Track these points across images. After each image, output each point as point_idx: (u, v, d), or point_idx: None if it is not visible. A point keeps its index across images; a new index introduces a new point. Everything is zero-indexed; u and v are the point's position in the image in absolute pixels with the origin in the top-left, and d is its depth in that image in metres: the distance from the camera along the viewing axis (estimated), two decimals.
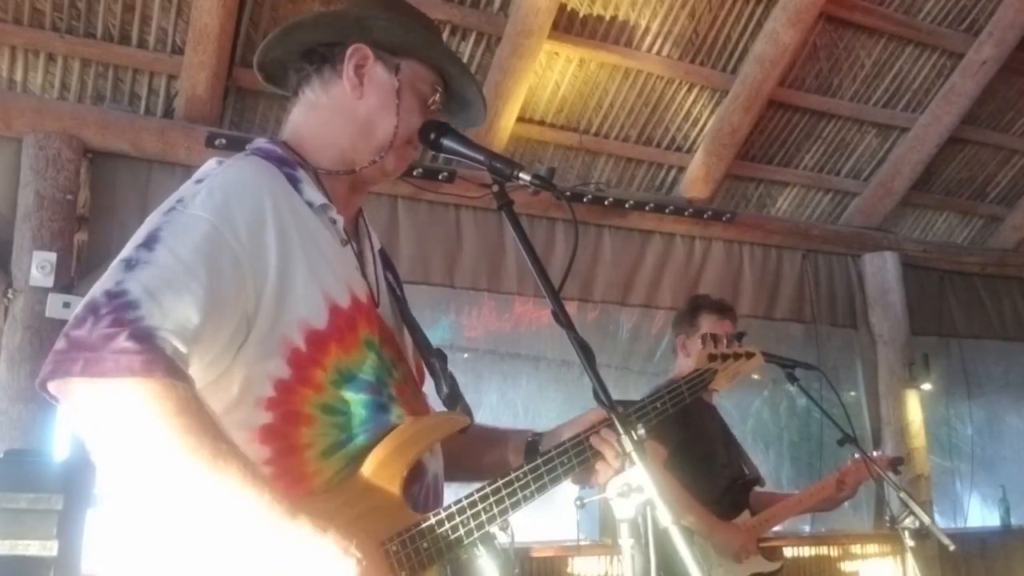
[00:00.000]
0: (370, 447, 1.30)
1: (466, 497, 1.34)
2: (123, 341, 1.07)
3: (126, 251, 1.18)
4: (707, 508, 2.92)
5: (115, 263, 1.17)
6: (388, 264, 1.61)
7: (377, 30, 1.45)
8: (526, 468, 1.40)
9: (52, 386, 1.10)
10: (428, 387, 1.52)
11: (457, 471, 1.51)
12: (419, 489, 1.36)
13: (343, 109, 1.45)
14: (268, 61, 1.53)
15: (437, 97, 1.49)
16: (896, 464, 3.36)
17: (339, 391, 1.29)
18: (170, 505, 1.14)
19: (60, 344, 1.09)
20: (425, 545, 1.28)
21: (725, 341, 1.89)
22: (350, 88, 1.44)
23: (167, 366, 1.08)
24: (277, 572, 1.10)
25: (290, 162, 1.39)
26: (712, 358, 1.86)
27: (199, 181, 1.28)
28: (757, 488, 3.21)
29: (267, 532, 1.10)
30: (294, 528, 1.10)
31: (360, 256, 1.45)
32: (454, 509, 1.32)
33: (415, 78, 1.47)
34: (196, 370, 1.16)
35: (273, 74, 1.55)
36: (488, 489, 1.35)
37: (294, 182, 1.35)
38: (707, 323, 3.12)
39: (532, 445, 1.55)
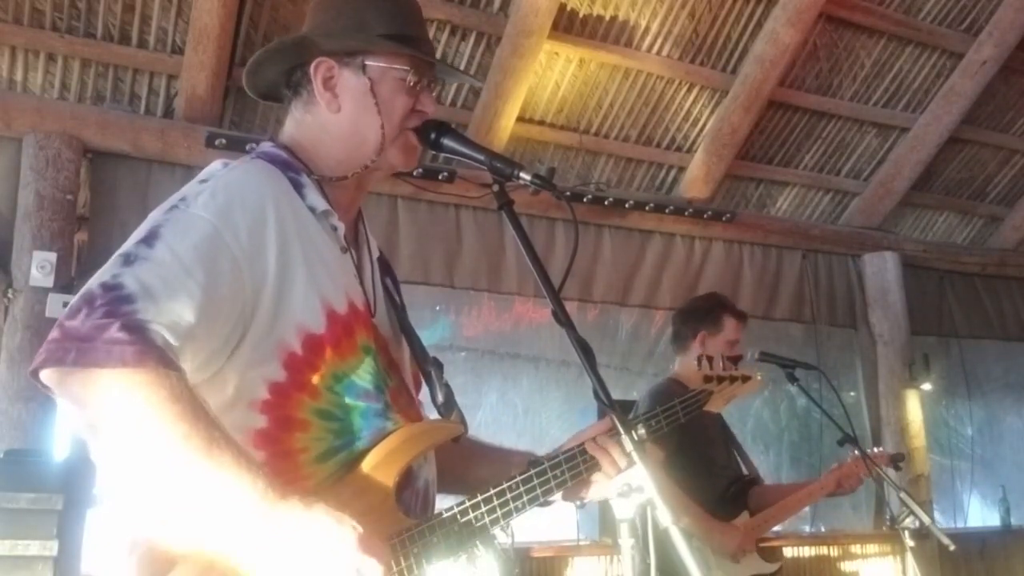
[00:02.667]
0: (365, 453, 1.31)
1: (458, 504, 1.35)
2: (115, 332, 1.07)
3: (126, 246, 1.19)
4: (706, 509, 2.91)
5: (114, 257, 1.18)
6: (387, 271, 1.61)
7: (325, 43, 1.43)
8: (519, 479, 1.41)
9: (44, 375, 1.11)
10: (423, 396, 1.52)
11: (449, 481, 1.50)
12: (410, 495, 1.36)
13: (327, 127, 1.44)
14: (257, 92, 1.55)
15: (413, 75, 1.43)
16: (897, 460, 3.36)
17: (335, 396, 1.30)
18: (165, 492, 1.14)
19: (54, 334, 1.10)
20: (416, 550, 1.29)
21: (722, 364, 1.89)
22: (326, 104, 1.43)
23: (159, 356, 1.09)
24: (274, 554, 1.11)
25: (295, 167, 1.39)
26: (708, 380, 1.86)
27: (203, 181, 1.28)
28: (756, 487, 3.20)
29: (262, 516, 1.10)
30: (288, 510, 1.11)
31: (359, 264, 1.45)
32: (446, 515, 1.33)
33: (385, 67, 1.42)
34: (189, 368, 1.17)
35: (269, 95, 1.56)
36: (480, 498, 1.36)
37: (298, 187, 1.36)
38: (730, 327, 3.06)
39: (533, 465, 1.54)
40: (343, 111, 1.43)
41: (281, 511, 1.11)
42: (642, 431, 1.34)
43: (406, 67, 1.43)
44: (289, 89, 1.48)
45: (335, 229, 1.39)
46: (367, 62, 1.42)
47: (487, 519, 1.35)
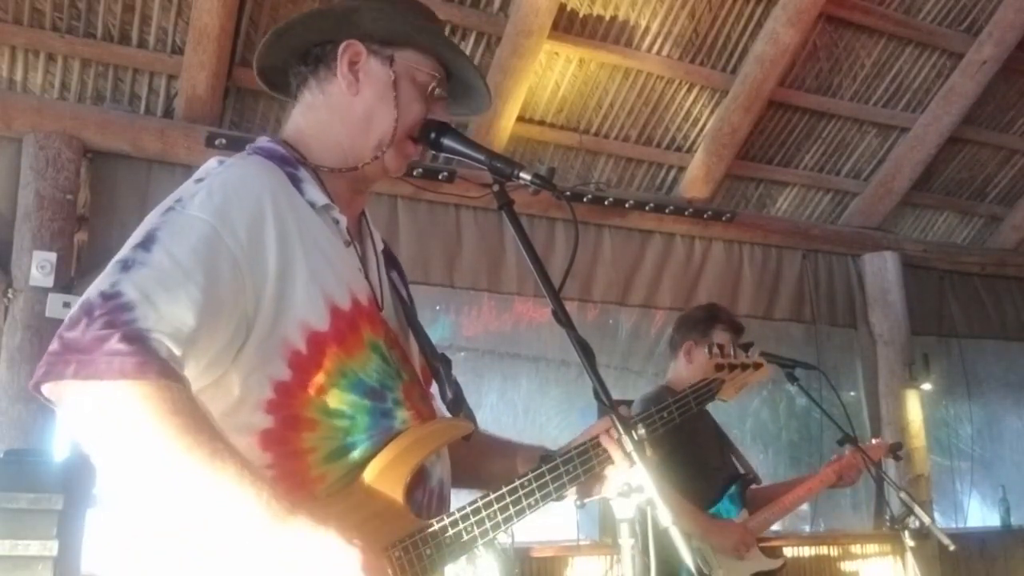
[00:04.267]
0: (374, 452, 1.29)
1: (470, 504, 1.33)
2: (115, 343, 1.06)
3: (123, 251, 1.17)
4: (704, 509, 2.90)
5: (111, 263, 1.16)
6: (393, 264, 1.59)
7: (365, 23, 1.43)
8: (531, 476, 1.39)
9: (46, 388, 1.09)
10: (433, 390, 1.52)
11: (460, 478, 1.49)
12: (423, 494, 1.35)
13: (340, 108, 1.43)
14: (266, 67, 1.53)
15: (436, 84, 1.46)
16: (895, 450, 3.34)
17: (341, 394, 1.28)
18: (168, 505, 1.13)
19: (54, 346, 1.09)
20: (428, 551, 1.27)
21: (732, 351, 1.89)
22: (346, 86, 1.42)
23: (160, 368, 1.08)
24: (278, 569, 1.10)
25: (292, 161, 1.38)
26: (719, 368, 1.85)
27: (199, 180, 1.26)
28: (753, 486, 3.19)
29: (266, 529, 1.09)
30: (293, 525, 1.10)
31: (363, 258, 1.43)
32: (458, 516, 1.31)
33: (411, 67, 1.44)
34: (193, 373, 1.15)
35: (273, 80, 1.55)
36: (492, 496, 1.35)
37: (296, 182, 1.34)
38: (720, 340, 3.06)
39: (545, 459, 1.53)
40: (361, 96, 1.43)
41: (286, 527, 1.09)
42: (642, 431, 1.34)
43: (432, 71, 1.45)
44: (307, 65, 1.47)
45: (337, 223, 1.37)
46: (397, 56, 1.43)
47: (500, 517, 1.34)
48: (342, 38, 1.43)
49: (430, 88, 1.45)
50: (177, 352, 1.11)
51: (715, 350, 1.88)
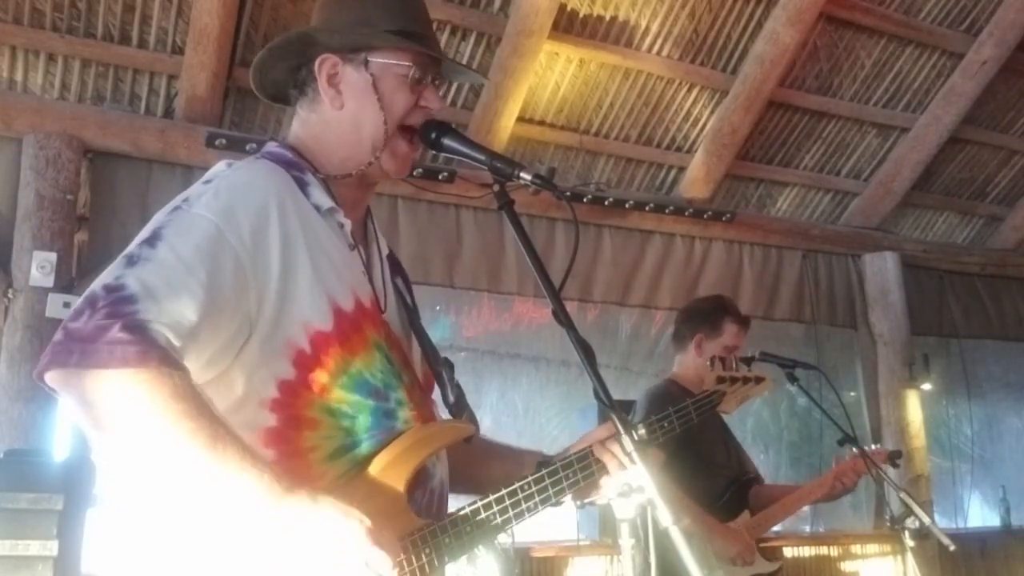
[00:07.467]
0: (376, 452, 1.31)
1: (470, 505, 1.35)
2: (117, 332, 1.08)
3: (129, 247, 1.20)
4: (707, 509, 2.90)
5: (118, 259, 1.18)
6: (398, 270, 1.61)
7: (328, 39, 1.43)
8: (531, 480, 1.41)
9: (49, 377, 1.12)
10: (435, 395, 1.52)
11: (460, 481, 1.50)
12: (423, 495, 1.36)
13: (331, 123, 1.45)
14: (266, 94, 1.56)
15: (416, 71, 1.43)
16: (895, 458, 3.35)
17: (344, 394, 1.30)
18: (171, 491, 1.15)
19: (57, 336, 1.11)
20: (428, 550, 1.29)
21: (735, 365, 1.89)
22: (329, 101, 1.43)
23: (161, 356, 1.10)
24: (283, 548, 1.12)
25: (299, 166, 1.40)
26: (721, 381, 1.86)
27: (207, 182, 1.29)
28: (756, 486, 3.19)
29: (268, 509, 1.11)
30: (295, 503, 1.12)
31: (367, 261, 1.45)
32: (458, 516, 1.33)
33: (388, 63, 1.43)
34: (194, 368, 1.17)
35: (276, 96, 1.56)
36: (492, 498, 1.36)
37: (302, 186, 1.36)
38: (730, 332, 3.05)
39: (543, 465, 1.54)
40: (346, 108, 1.43)
41: (288, 504, 1.11)
42: (642, 431, 1.34)
43: (408, 63, 1.43)
44: (295, 88, 1.48)
45: (342, 226, 1.39)
46: (370, 58, 1.42)
47: (499, 519, 1.35)
48: (316, 56, 1.43)
49: (411, 77, 1.43)
50: (176, 343, 1.13)
51: (717, 363, 1.88)
